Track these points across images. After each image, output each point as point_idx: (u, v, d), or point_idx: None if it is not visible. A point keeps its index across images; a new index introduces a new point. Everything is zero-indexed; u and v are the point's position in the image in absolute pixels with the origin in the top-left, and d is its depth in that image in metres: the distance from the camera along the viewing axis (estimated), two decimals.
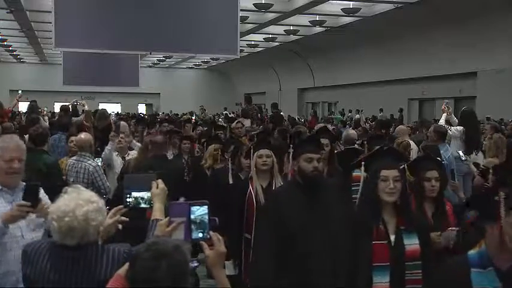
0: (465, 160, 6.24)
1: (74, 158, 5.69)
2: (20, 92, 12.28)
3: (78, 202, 2.33)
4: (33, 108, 11.72)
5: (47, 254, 2.36)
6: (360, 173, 3.65)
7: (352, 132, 7.04)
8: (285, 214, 3.41)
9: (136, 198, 2.71)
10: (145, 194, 2.70)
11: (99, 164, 5.83)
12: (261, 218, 3.73)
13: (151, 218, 2.61)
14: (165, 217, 2.57)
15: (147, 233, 2.56)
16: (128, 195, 2.72)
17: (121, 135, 6.43)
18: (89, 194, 2.40)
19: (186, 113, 21.71)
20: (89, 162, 5.56)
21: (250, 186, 4.30)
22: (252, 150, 4.42)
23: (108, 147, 6.11)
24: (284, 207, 3.43)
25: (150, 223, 2.60)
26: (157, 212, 2.62)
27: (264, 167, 4.27)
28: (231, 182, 4.78)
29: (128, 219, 2.77)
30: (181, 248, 1.87)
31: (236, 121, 8.22)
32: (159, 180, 2.73)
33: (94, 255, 2.33)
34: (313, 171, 3.42)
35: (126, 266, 2.09)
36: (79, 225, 2.28)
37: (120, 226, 2.74)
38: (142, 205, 2.71)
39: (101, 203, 2.41)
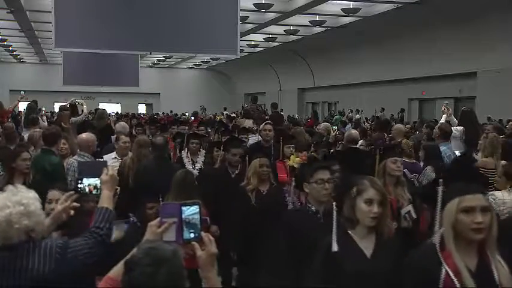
0: None
1: (74, 157, 5.69)
2: (22, 92, 12.30)
3: (5, 203, 2.29)
4: (32, 108, 11.72)
5: None
6: None
7: (354, 132, 7.07)
8: None
9: (89, 185, 2.75)
10: (96, 181, 2.72)
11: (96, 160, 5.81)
12: None
13: (98, 205, 2.62)
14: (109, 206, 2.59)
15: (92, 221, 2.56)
16: (80, 181, 2.76)
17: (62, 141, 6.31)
18: (23, 196, 2.33)
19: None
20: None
21: (446, 268, 2.25)
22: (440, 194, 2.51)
23: None
24: None
25: (96, 210, 2.61)
26: (104, 199, 2.62)
27: (477, 234, 2.25)
28: (335, 249, 2.66)
29: (79, 204, 2.79)
30: (179, 253, 1.86)
31: (265, 122, 7.22)
32: (109, 167, 2.75)
33: (25, 253, 2.30)
34: None
35: (117, 268, 2.08)
36: (0, 226, 2.25)
37: (72, 212, 2.76)
38: (93, 192, 2.75)
39: (34, 206, 2.34)
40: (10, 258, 2.29)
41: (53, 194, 3.41)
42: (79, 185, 2.77)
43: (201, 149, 6.72)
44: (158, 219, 2.13)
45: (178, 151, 6.98)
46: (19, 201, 2.31)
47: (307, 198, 3.48)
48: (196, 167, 6.41)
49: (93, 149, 5.78)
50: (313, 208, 3.36)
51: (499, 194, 4.59)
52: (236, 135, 7.42)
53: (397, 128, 7.65)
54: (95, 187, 2.75)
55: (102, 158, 6.22)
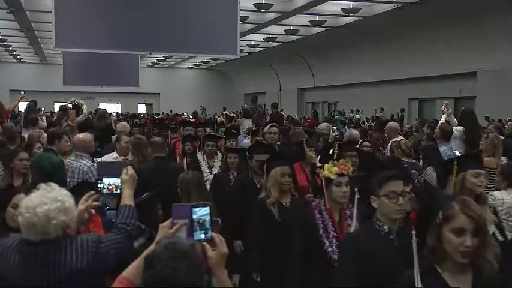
0: None
1: (72, 157, 5.67)
2: (22, 92, 12.30)
3: (42, 200, 2.37)
4: (31, 108, 11.71)
5: (16, 251, 2.40)
6: None
7: (354, 132, 7.05)
8: None
9: (109, 184, 2.84)
10: (116, 181, 2.79)
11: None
12: None
13: (121, 204, 2.73)
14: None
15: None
16: (100, 181, 2.84)
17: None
18: (58, 193, 2.43)
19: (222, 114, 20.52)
20: (84, 162, 5.47)
21: None
22: None
23: None
24: None
25: (119, 208, 2.72)
26: (126, 198, 2.75)
27: None
28: (418, 286, 2.12)
29: (99, 203, 2.90)
30: (196, 248, 1.91)
31: (270, 124, 6.76)
32: (129, 167, 2.86)
33: (63, 248, 2.38)
34: None
35: (131, 267, 2.12)
36: (39, 222, 2.33)
37: (93, 211, 2.86)
38: (114, 192, 2.83)
39: (69, 203, 2.43)
40: (49, 253, 2.37)
41: (18, 198, 3.15)
42: (99, 185, 2.86)
43: (218, 152, 6.42)
44: (170, 220, 2.16)
45: (184, 154, 6.77)
46: (55, 198, 2.40)
47: (376, 215, 2.76)
48: (214, 172, 6.08)
49: (89, 149, 5.75)
50: (385, 227, 2.70)
51: (498, 194, 4.60)
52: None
53: (390, 125, 7.61)
54: (117, 187, 2.83)
55: (101, 158, 6.22)
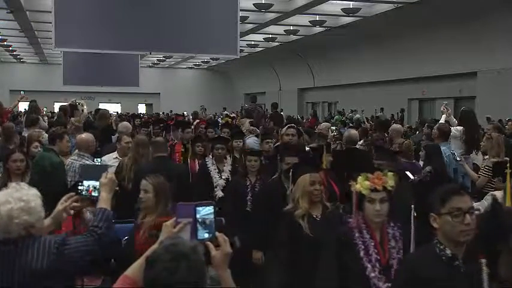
0: (459, 160, 6.27)
1: (74, 157, 5.68)
2: (22, 92, 12.30)
3: (7, 199, 2.40)
4: (32, 108, 11.71)
5: None
6: None
7: (354, 132, 7.04)
8: None
9: (88, 186, 2.90)
10: (97, 183, 2.85)
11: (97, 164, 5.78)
12: None
13: (97, 206, 2.77)
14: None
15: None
16: (80, 184, 2.90)
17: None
18: (24, 193, 2.45)
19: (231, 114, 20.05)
20: (87, 162, 5.51)
21: None
22: None
23: None
24: None
25: (96, 211, 2.76)
26: (103, 201, 2.77)
27: None
28: None
29: (79, 205, 2.95)
30: (198, 249, 1.89)
31: (287, 126, 6.34)
32: (110, 170, 2.93)
33: (25, 247, 2.40)
34: None
35: (134, 266, 2.13)
36: (1, 220, 2.36)
37: (72, 212, 2.90)
38: (93, 194, 2.90)
39: (35, 203, 2.45)
40: (10, 252, 2.38)
41: None
42: (79, 187, 2.89)
43: (227, 156, 6.02)
44: (173, 219, 2.17)
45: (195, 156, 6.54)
46: (20, 198, 2.42)
47: (437, 237, 2.39)
48: (223, 177, 5.79)
49: (92, 149, 5.77)
50: (447, 252, 2.33)
51: (499, 195, 4.60)
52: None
53: (394, 128, 7.62)
54: (96, 189, 2.88)
55: (100, 158, 6.21)
